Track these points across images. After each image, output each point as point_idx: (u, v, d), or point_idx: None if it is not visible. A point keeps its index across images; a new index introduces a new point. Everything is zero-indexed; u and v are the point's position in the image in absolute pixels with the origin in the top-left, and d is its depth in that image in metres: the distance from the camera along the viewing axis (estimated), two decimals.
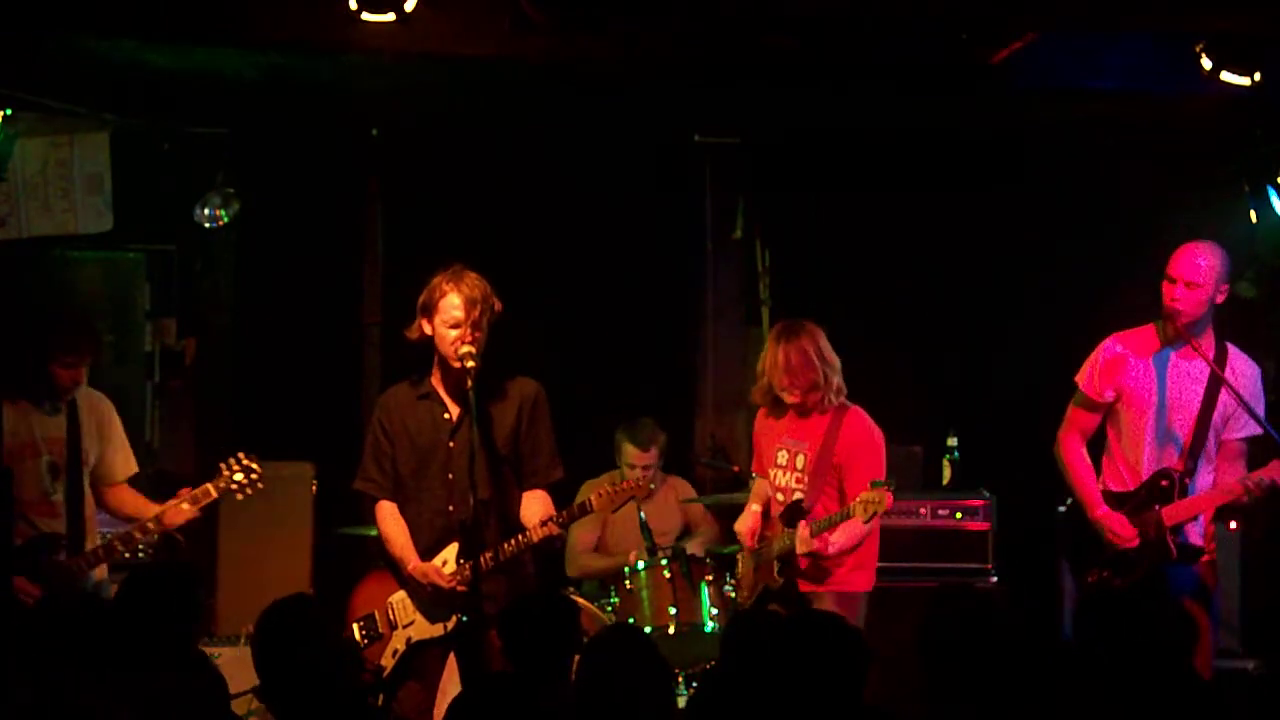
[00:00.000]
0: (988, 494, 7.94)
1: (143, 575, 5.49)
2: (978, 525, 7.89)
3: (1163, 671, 4.41)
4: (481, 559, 6.00)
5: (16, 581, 6.24)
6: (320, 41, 6.81)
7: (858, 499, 6.25)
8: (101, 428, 6.63)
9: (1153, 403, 6.43)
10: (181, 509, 6.47)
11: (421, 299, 6.12)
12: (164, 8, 6.69)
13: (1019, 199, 8.56)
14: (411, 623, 6.19)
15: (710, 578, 7.28)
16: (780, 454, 6.69)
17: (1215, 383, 6.35)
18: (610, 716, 4.55)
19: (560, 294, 8.66)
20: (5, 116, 7.45)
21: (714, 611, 7.22)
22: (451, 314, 6.03)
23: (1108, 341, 6.56)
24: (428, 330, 6.11)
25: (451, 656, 6.23)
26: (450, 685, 6.23)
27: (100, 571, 6.48)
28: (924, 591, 7.12)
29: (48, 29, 6.69)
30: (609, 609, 7.32)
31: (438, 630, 6.15)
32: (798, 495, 6.58)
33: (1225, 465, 6.42)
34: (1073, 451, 6.60)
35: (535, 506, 6.18)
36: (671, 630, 7.18)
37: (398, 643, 6.19)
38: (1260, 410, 6.39)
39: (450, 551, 6.10)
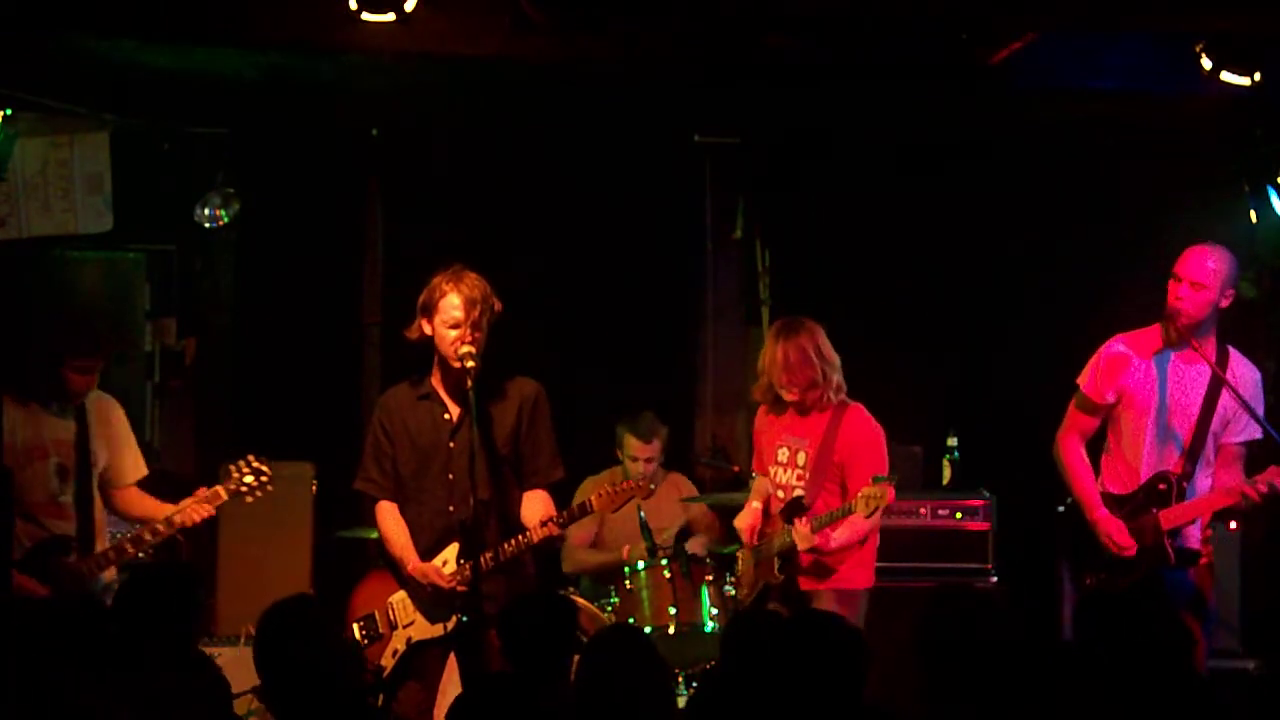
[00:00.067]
0: (988, 494, 7.94)
1: (142, 575, 5.50)
2: (978, 525, 7.89)
3: (1162, 672, 4.41)
4: (482, 559, 6.00)
5: (27, 583, 6.26)
6: (320, 41, 6.81)
7: (859, 494, 6.25)
8: (111, 431, 6.63)
9: (1153, 405, 6.42)
10: (193, 510, 6.46)
11: (421, 299, 6.12)
12: (164, 8, 6.69)
13: (1019, 199, 8.56)
14: (411, 623, 6.19)
15: (710, 578, 7.28)
16: (781, 451, 6.69)
17: (1216, 385, 6.35)
18: (610, 716, 4.55)
19: (560, 294, 8.65)
20: (5, 116, 7.45)
21: (714, 611, 7.22)
22: (451, 314, 6.03)
23: (1111, 341, 6.56)
24: (428, 330, 6.11)
25: (451, 656, 6.23)
26: (450, 685, 6.23)
27: (110, 573, 6.46)
28: (924, 592, 7.11)
29: (48, 29, 6.69)
30: (609, 609, 7.32)
31: (438, 630, 6.15)
32: (798, 492, 6.58)
33: (1223, 469, 6.41)
34: (1072, 452, 6.59)
35: (536, 506, 6.18)
36: (671, 630, 7.18)
37: (398, 643, 6.19)
38: (1260, 414, 6.38)
39: (450, 552, 6.10)
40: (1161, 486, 6.36)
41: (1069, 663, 4.59)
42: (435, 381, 6.22)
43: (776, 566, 6.59)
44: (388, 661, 6.19)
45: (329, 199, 8.70)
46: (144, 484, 6.72)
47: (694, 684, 7.06)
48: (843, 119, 8.25)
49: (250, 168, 8.45)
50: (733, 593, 7.11)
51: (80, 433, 6.50)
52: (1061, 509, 6.69)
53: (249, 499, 6.55)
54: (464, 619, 6.07)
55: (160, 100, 8.00)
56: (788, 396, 6.60)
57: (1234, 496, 6.27)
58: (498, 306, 6.11)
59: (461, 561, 6.06)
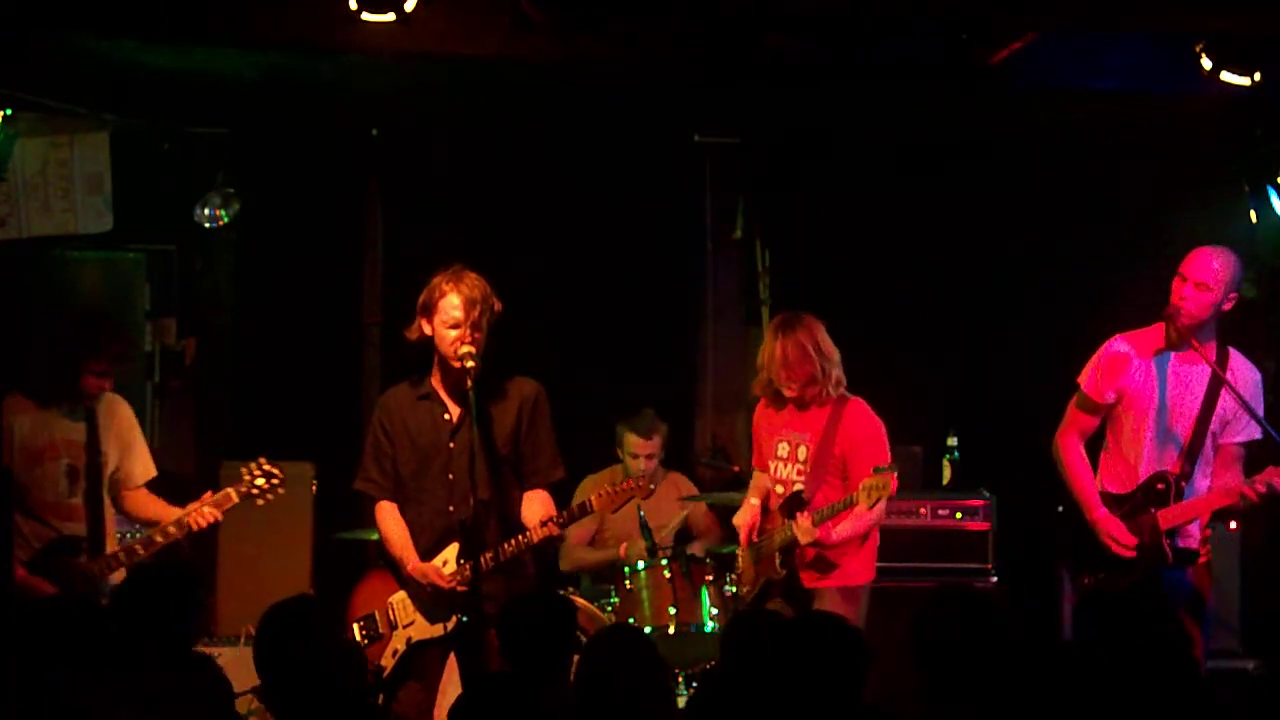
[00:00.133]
0: (988, 494, 7.95)
1: (142, 575, 5.51)
2: (978, 525, 7.89)
3: (1161, 672, 4.41)
4: (482, 559, 6.00)
5: (37, 583, 6.26)
6: (320, 41, 6.81)
7: (861, 485, 6.24)
8: (121, 432, 6.64)
9: (1153, 405, 6.42)
10: (204, 512, 6.47)
11: (421, 299, 6.12)
12: (164, 8, 6.69)
13: (1019, 199, 8.56)
14: (411, 623, 6.19)
15: (710, 578, 7.28)
16: (781, 446, 6.69)
17: (1216, 385, 6.34)
18: (610, 716, 4.55)
19: (560, 294, 8.66)
20: (5, 116, 7.46)
21: (714, 611, 7.21)
22: (451, 314, 6.03)
23: (1112, 341, 6.56)
24: (427, 330, 6.11)
25: (451, 656, 6.23)
26: (450, 685, 6.23)
27: (119, 575, 6.44)
28: (924, 591, 7.12)
29: (48, 29, 6.70)
30: (609, 609, 7.31)
31: (438, 630, 6.15)
32: (798, 486, 6.57)
33: (1222, 469, 6.41)
34: (1071, 451, 6.59)
35: (536, 506, 6.18)
36: (671, 630, 7.17)
37: (398, 643, 6.19)
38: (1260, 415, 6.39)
39: (450, 552, 6.10)
40: (1160, 486, 6.36)
41: (1069, 663, 4.59)
42: (435, 381, 6.22)
43: (778, 562, 6.58)
44: (388, 661, 6.19)
45: (329, 199, 8.71)
46: (149, 485, 6.73)
47: (694, 684, 7.05)
48: (843, 119, 8.25)
49: (250, 168, 8.45)
50: (733, 592, 7.11)
51: (90, 434, 6.51)
52: (1061, 509, 6.69)
53: (259, 502, 6.57)
54: (464, 619, 6.07)
55: (160, 100, 8.00)
56: (787, 393, 6.60)
57: (1233, 497, 6.26)
58: (498, 306, 6.11)
59: (461, 561, 6.06)
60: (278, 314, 8.76)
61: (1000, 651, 4.44)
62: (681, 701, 6.32)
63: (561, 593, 6.87)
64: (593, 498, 6.23)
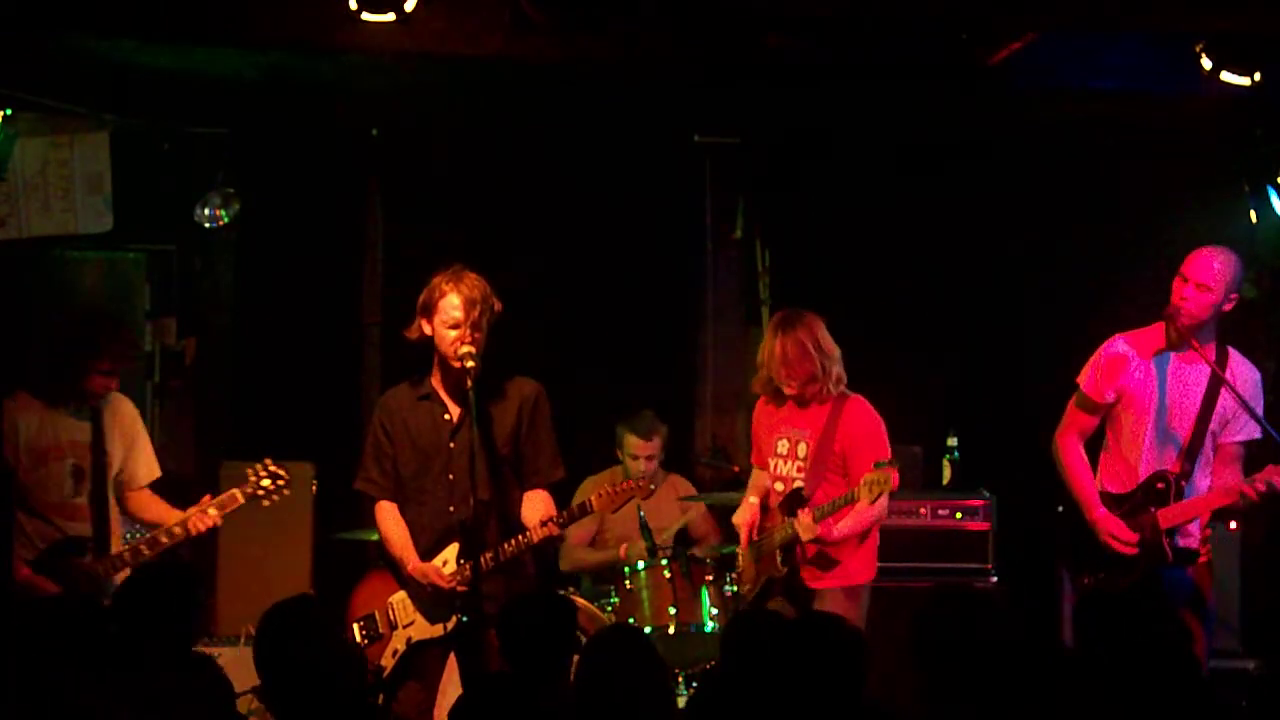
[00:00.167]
0: (988, 494, 7.95)
1: (142, 575, 5.50)
2: (978, 525, 7.89)
3: (1161, 671, 4.41)
4: (482, 559, 6.00)
5: (42, 583, 6.27)
6: (320, 41, 6.81)
7: (862, 480, 6.23)
8: (126, 432, 6.64)
9: (1153, 404, 6.42)
10: (206, 515, 6.46)
11: (421, 299, 6.12)
12: (164, 8, 6.69)
13: (1019, 199, 8.56)
14: (411, 623, 6.19)
15: (710, 578, 7.28)
16: (780, 443, 6.68)
17: (1215, 385, 6.34)
18: (610, 716, 4.55)
19: (560, 294, 8.66)
20: (5, 116, 7.46)
21: (714, 611, 7.22)
22: (451, 314, 6.03)
23: (1112, 340, 6.56)
24: (427, 330, 6.11)
25: (451, 656, 6.23)
26: (450, 685, 6.23)
27: (124, 575, 6.43)
28: (924, 592, 7.12)
29: (48, 29, 6.69)
30: (609, 609, 7.32)
31: (438, 630, 6.15)
32: (798, 483, 6.57)
33: (1222, 468, 6.41)
34: (1071, 451, 6.59)
35: (536, 506, 6.18)
36: (671, 630, 7.17)
37: (398, 643, 6.19)
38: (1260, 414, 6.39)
39: (450, 552, 6.10)
40: (1160, 485, 6.36)
41: (1069, 663, 4.59)
42: (435, 382, 6.22)
43: (779, 559, 6.57)
44: (388, 661, 6.19)
45: (329, 199, 8.71)
46: (153, 485, 6.73)
47: (694, 684, 7.06)
48: (843, 119, 8.25)
49: (250, 168, 8.45)
50: (733, 591, 7.11)
51: (96, 434, 6.51)
52: (1061, 509, 6.70)
53: (265, 503, 6.57)
54: (464, 619, 6.07)
55: (160, 100, 8.00)
56: (787, 390, 6.60)
57: (1232, 495, 6.26)
58: (498, 306, 6.11)
59: (461, 561, 6.06)
60: (278, 314, 8.76)
61: (1000, 651, 4.44)
62: (681, 701, 6.32)
63: (561, 593, 6.87)
64: (593, 498, 6.23)
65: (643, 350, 8.86)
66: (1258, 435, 6.37)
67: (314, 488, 8.11)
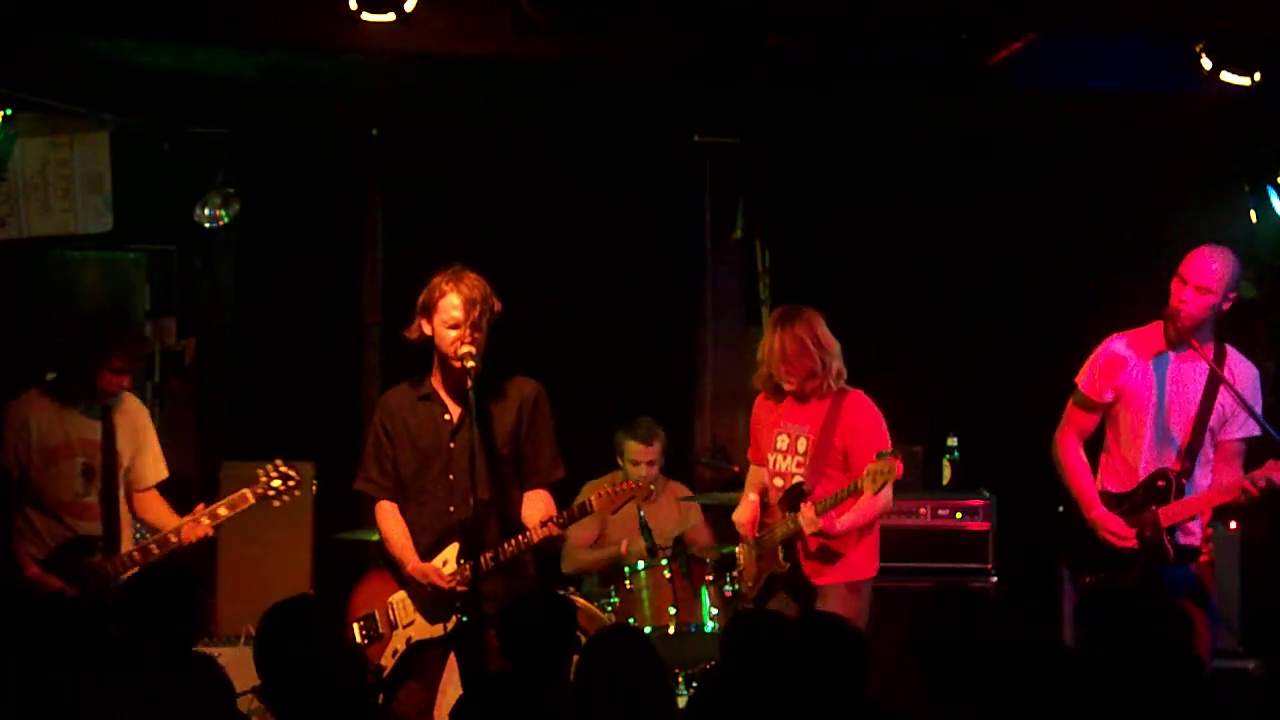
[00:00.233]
0: (988, 494, 7.95)
1: (143, 576, 5.51)
2: (978, 525, 7.90)
3: (1162, 670, 4.41)
4: (482, 559, 5.99)
5: (52, 581, 6.27)
6: (320, 41, 6.81)
7: (866, 470, 6.22)
8: (135, 431, 6.65)
9: (1152, 404, 6.42)
10: (199, 524, 6.46)
11: (421, 299, 6.12)
12: (164, 8, 6.69)
13: (1019, 199, 8.56)
14: (411, 623, 6.19)
15: (710, 578, 7.28)
16: (780, 438, 6.68)
17: (1214, 383, 6.35)
18: (610, 716, 4.55)
19: (560, 294, 8.65)
20: (5, 116, 7.46)
21: (714, 611, 7.22)
22: (451, 314, 6.03)
23: (1110, 340, 6.56)
24: (427, 330, 6.11)
25: (452, 656, 6.23)
26: (450, 685, 6.23)
27: (134, 574, 6.45)
28: (924, 592, 7.12)
29: (48, 29, 6.69)
30: (609, 609, 7.32)
31: (438, 630, 6.15)
32: (798, 479, 6.57)
33: (1222, 466, 6.41)
34: (1070, 451, 6.59)
35: (536, 506, 6.18)
36: (671, 630, 7.17)
37: (398, 643, 6.19)
38: (1258, 412, 6.39)
39: (450, 552, 6.10)
40: (1161, 483, 6.36)
41: (1069, 662, 4.59)
42: (435, 382, 6.22)
43: (781, 555, 6.56)
44: (388, 661, 6.18)
45: (329, 199, 8.71)
46: (160, 485, 6.74)
47: (694, 684, 7.06)
48: (842, 119, 8.25)
49: (250, 168, 8.45)
50: (733, 591, 7.10)
51: (106, 433, 6.52)
52: (1062, 508, 6.70)
53: (275, 503, 6.57)
54: (464, 619, 6.06)
55: (160, 100, 8.00)
56: (787, 386, 6.59)
57: (1233, 492, 6.26)
58: (498, 306, 6.11)
59: (461, 561, 6.06)
60: (278, 314, 8.77)
61: (1000, 651, 4.44)
62: (681, 701, 6.32)
63: (561, 593, 6.87)
64: (592, 498, 6.23)
65: (642, 350, 8.86)
66: (1257, 432, 6.38)
67: (314, 487, 8.11)
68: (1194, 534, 6.41)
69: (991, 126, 8.33)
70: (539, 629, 4.93)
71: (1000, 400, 8.41)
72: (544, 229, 8.67)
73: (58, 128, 7.95)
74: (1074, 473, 6.56)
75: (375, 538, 6.46)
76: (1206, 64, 6.78)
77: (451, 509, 6.11)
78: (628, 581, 7.32)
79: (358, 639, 6.17)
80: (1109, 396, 6.51)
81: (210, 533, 6.51)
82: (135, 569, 6.38)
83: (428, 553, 6.13)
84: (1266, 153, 7.80)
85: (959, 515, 7.89)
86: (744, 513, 6.80)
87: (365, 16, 6.34)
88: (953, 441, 8.34)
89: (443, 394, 6.20)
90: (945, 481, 8.31)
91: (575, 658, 4.90)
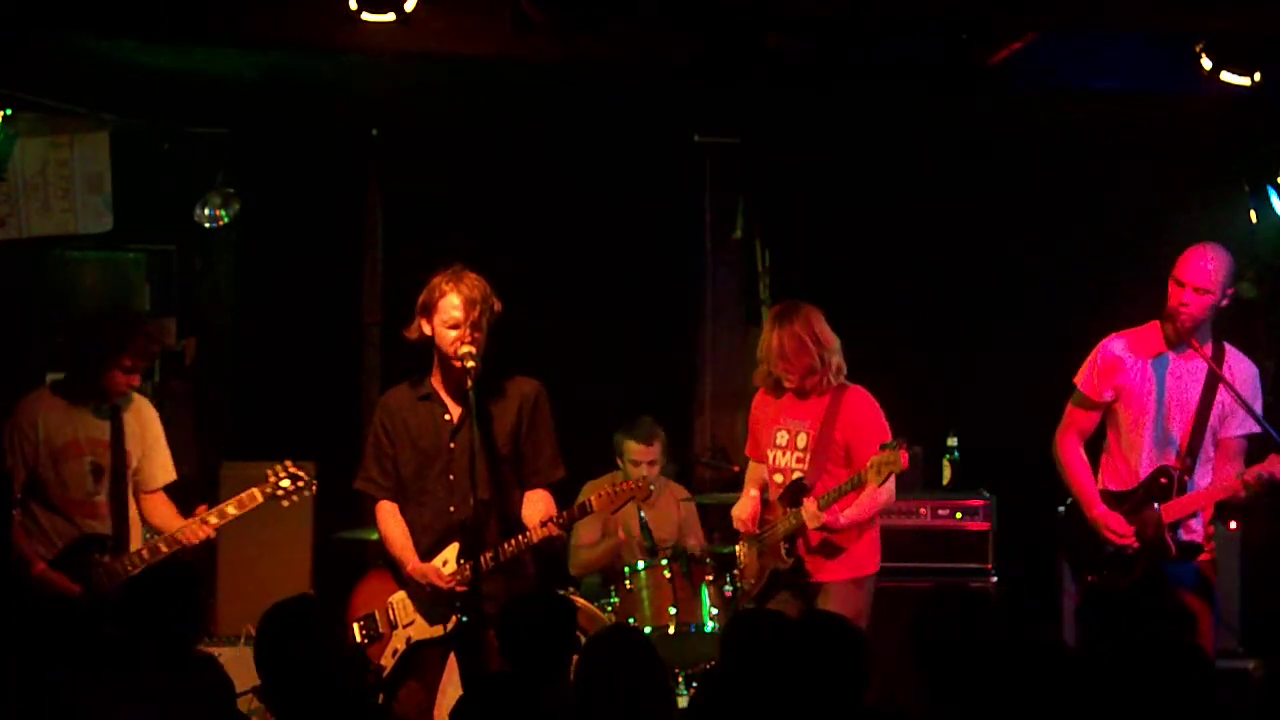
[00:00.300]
0: (988, 494, 7.95)
1: (144, 576, 5.51)
2: (978, 525, 7.90)
3: (1163, 669, 4.41)
4: (482, 559, 5.99)
5: (61, 580, 6.27)
6: (320, 41, 6.81)
7: (870, 462, 6.22)
8: (144, 433, 6.64)
9: (1151, 403, 6.43)
10: (204, 524, 6.45)
11: (421, 299, 6.12)
12: (164, 8, 6.69)
13: (1019, 199, 8.56)
14: (411, 623, 6.19)
15: (710, 578, 7.28)
16: (780, 434, 6.67)
17: (1213, 381, 6.35)
18: (610, 716, 4.55)
19: (560, 294, 8.65)
20: (5, 116, 7.46)
21: (714, 611, 7.22)
22: (451, 314, 6.03)
23: (1108, 340, 6.56)
24: (427, 330, 6.11)
25: (452, 656, 6.23)
26: (450, 685, 6.23)
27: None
28: (924, 592, 7.13)
29: (48, 29, 6.69)
30: (609, 609, 7.32)
31: (438, 630, 6.15)
32: (798, 474, 6.56)
33: (1223, 463, 6.42)
34: (1070, 451, 6.60)
35: (537, 506, 6.18)
36: (671, 630, 7.18)
37: (398, 642, 6.19)
38: (1258, 410, 6.39)
39: (450, 552, 6.10)
40: (1163, 480, 6.37)
41: (1069, 662, 4.59)
42: (435, 382, 6.22)
43: (784, 551, 6.56)
44: (388, 661, 6.18)
45: (329, 199, 8.71)
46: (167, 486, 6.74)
47: (694, 684, 7.06)
48: (842, 119, 8.25)
49: (250, 168, 8.45)
50: (733, 591, 7.09)
51: (116, 432, 6.51)
52: (1062, 509, 6.70)
53: (285, 503, 6.57)
54: (464, 619, 6.06)
55: (160, 100, 8.00)
56: (787, 383, 6.59)
57: (1234, 488, 6.27)
58: (498, 306, 6.11)
59: (461, 561, 6.06)
60: (278, 314, 8.77)
61: (1000, 651, 4.44)
62: (682, 701, 6.33)
63: (561, 593, 6.87)
64: (592, 498, 6.23)
65: (642, 350, 8.86)
66: (1258, 430, 6.38)
67: (314, 488, 8.10)
68: (1196, 531, 6.41)
69: (991, 126, 8.33)
70: (539, 629, 4.93)
71: (1000, 400, 8.41)
72: (544, 229, 8.67)
73: (58, 128, 7.95)
74: (1074, 472, 6.56)
75: (375, 537, 6.46)
76: (1206, 64, 6.78)
77: (451, 509, 6.11)
78: (628, 581, 7.32)
79: (358, 639, 6.17)
80: (1108, 396, 6.51)
81: (212, 534, 6.51)
82: (144, 567, 6.39)
83: (428, 553, 6.13)
84: (1266, 153, 7.80)
85: (959, 515, 7.90)
86: (744, 509, 6.79)
87: (365, 16, 6.34)
88: (953, 441, 8.35)
89: (443, 394, 6.19)
90: (945, 481, 8.31)
91: (575, 658, 4.91)
